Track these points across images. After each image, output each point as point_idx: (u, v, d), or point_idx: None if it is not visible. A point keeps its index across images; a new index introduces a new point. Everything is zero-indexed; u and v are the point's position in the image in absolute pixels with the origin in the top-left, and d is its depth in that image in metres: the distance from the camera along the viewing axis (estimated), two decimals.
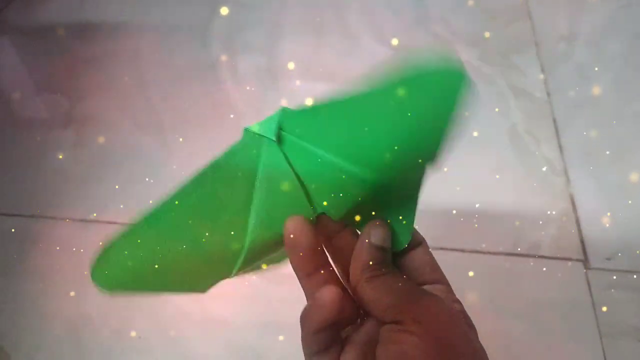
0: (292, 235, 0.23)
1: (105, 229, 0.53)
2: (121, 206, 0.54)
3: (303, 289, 0.25)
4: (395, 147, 0.22)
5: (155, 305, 0.48)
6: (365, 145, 0.23)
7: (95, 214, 0.54)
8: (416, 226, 0.26)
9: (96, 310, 0.48)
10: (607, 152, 0.56)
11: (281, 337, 0.46)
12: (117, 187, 0.55)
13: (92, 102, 0.64)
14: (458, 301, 0.25)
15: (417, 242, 0.26)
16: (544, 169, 0.55)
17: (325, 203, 0.24)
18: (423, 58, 0.22)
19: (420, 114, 0.23)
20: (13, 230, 0.53)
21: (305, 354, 0.24)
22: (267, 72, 0.65)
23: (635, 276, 0.48)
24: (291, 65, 0.65)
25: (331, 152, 0.23)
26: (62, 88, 0.65)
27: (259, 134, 0.24)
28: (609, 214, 0.52)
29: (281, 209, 0.24)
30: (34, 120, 0.63)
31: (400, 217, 0.25)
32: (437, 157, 0.23)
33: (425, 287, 0.25)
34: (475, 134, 0.58)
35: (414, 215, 0.25)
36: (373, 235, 0.24)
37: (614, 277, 0.48)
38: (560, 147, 0.57)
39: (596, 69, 0.63)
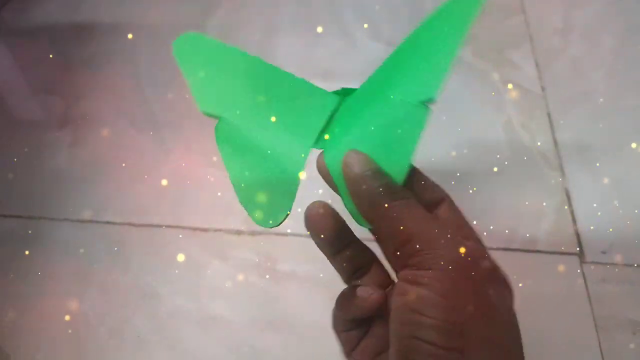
0: (312, 220, 0.24)
1: (103, 230, 0.53)
2: (119, 206, 0.54)
3: (331, 264, 0.25)
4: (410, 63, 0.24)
5: (153, 304, 0.48)
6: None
7: (93, 215, 0.54)
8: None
9: (94, 309, 0.48)
10: (602, 146, 0.56)
11: (280, 336, 0.46)
12: (114, 187, 0.56)
13: (89, 102, 0.64)
14: (489, 258, 0.22)
15: (440, 199, 0.24)
16: (539, 163, 0.55)
17: (331, 144, 0.25)
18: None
19: (433, 34, 0.25)
20: (11, 231, 0.53)
21: (334, 329, 0.25)
22: None
23: (630, 269, 0.48)
24: (286, 63, 0.65)
25: (370, 91, 0.26)
26: (58, 89, 0.65)
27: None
28: (603, 207, 0.52)
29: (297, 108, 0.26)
30: (30, 121, 0.63)
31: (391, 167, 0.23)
32: (435, 88, 0.23)
33: None
34: (469, 129, 0.58)
35: (406, 166, 0.23)
36: (355, 163, 0.22)
37: (610, 271, 0.48)
38: (555, 141, 0.57)
39: (590, 63, 0.64)
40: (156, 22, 0.71)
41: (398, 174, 0.22)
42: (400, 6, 0.71)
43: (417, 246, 0.20)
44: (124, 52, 0.69)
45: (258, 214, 0.24)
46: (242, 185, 0.25)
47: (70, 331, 0.47)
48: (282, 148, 0.25)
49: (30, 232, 0.53)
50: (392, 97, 0.24)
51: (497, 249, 0.49)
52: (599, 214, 0.52)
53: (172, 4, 0.74)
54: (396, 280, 0.21)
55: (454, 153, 0.56)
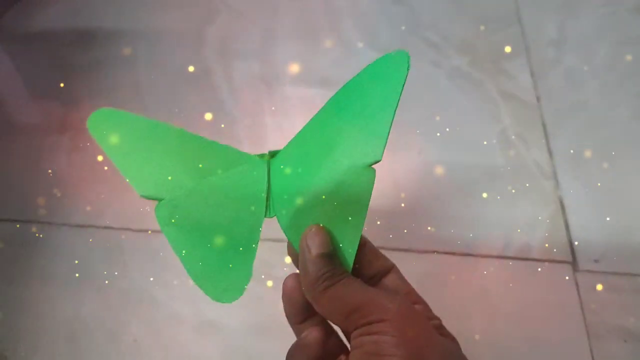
0: (288, 291, 0.25)
1: (101, 234, 0.53)
2: (117, 211, 0.55)
3: (294, 333, 0.27)
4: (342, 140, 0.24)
5: (151, 308, 0.49)
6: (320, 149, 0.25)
7: (91, 219, 0.54)
8: (392, 251, 0.26)
9: (92, 314, 0.48)
10: (596, 156, 0.57)
11: (276, 342, 0.46)
12: (113, 192, 0.56)
13: (88, 108, 0.64)
14: (437, 318, 0.25)
15: (388, 268, 0.26)
16: (534, 172, 0.56)
17: (283, 212, 0.25)
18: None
19: (365, 96, 0.24)
20: (9, 235, 0.54)
21: None
22: (260, 78, 0.66)
23: (622, 277, 0.49)
24: (285, 71, 0.66)
25: (308, 154, 0.25)
26: (57, 94, 0.65)
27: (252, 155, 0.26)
28: (597, 216, 0.53)
29: (236, 192, 0.25)
30: (29, 126, 0.63)
31: (342, 237, 0.24)
32: (380, 150, 0.24)
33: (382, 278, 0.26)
34: (465, 138, 0.59)
35: (358, 236, 0.24)
36: (312, 245, 0.23)
37: (602, 279, 0.49)
38: (550, 151, 0.58)
39: (585, 74, 0.64)
40: (156, 29, 0.72)
41: (349, 246, 0.24)
42: (398, 16, 0.72)
43: (366, 310, 0.21)
44: (124, 58, 0.69)
45: (215, 293, 0.24)
46: (195, 267, 0.25)
47: (67, 335, 0.47)
48: (231, 222, 0.25)
49: (28, 236, 0.53)
50: (337, 161, 0.24)
51: (491, 256, 0.50)
52: (593, 223, 0.52)
53: (172, 11, 0.74)
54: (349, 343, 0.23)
55: (448, 162, 0.57)
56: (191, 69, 0.67)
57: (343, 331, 0.25)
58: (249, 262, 0.25)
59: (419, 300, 0.25)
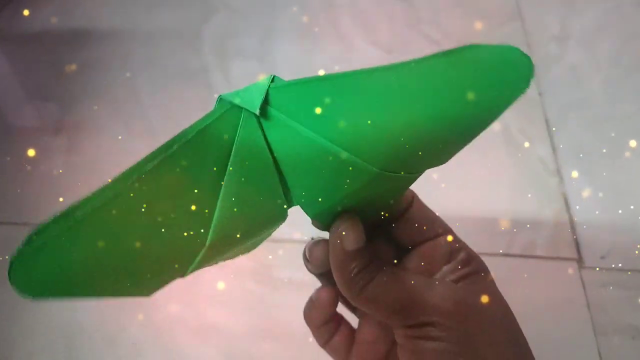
0: (309, 310, 0.25)
1: None
2: None
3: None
4: (416, 134, 0.18)
5: (149, 311, 0.48)
6: (376, 129, 0.18)
7: None
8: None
9: (89, 317, 0.48)
10: (600, 152, 0.56)
11: (277, 344, 0.46)
12: None
13: (84, 108, 0.63)
14: (465, 247, 0.23)
15: (409, 201, 0.23)
16: (538, 169, 0.55)
17: (303, 194, 0.20)
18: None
19: (465, 92, 0.19)
20: (5, 238, 0.53)
21: (319, 344, 0.26)
22: (259, 76, 0.65)
23: (629, 274, 0.48)
24: (284, 69, 0.65)
25: (327, 136, 0.18)
26: (53, 95, 0.65)
27: (238, 106, 0.19)
28: (602, 213, 0.52)
29: (251, 198, 0.20)
30: (25, 128, 0.62)
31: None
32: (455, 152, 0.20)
33: (430, 242, 0.23)
34: None
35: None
36: (346, 241, 0.21)
37: (608, 276, 0.48)
38: (553, 147, 0.57)
39: (587, 69, 0.64)
40: (153, 28, 0.71)
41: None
42: (398, 12, 0.71)
43: (414, 310, 0.20)
44: (120, 58, 0.69)
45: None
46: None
47: (65, 339, 0.47)
48: (255, 218, 0.21)
49: (23, 239, 0.53)
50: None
51: (497, 254, 0.49)
52: (598, 219, 0.52)
53: (169, 10, 0.74)
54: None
55: (450, 160, 0.56)
56: (188, 67, 0.67)
57: (385, 321, 0.23)
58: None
59: (444, 230, 0.23)
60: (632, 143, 0.57)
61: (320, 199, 0.20)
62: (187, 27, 0.72)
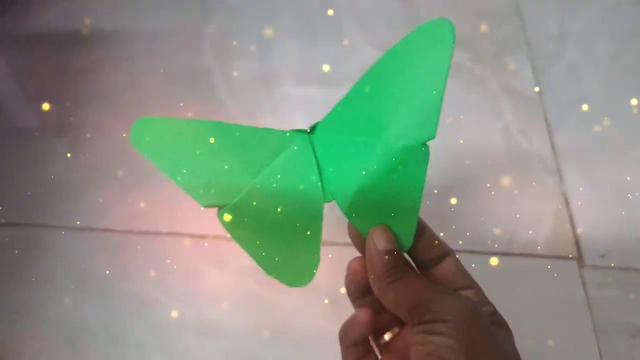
0: (352, 271, 0.27)
1: (101, 237, 0.53)
2: (118, 213, 0.54)
3: (353, 306, 0.28)
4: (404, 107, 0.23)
5: (153, 311, 0.48)
6: (382, 113, 0.24)
7: (91, 222, 0.54)
8: (441, 234, 0.27)
9: (94, 317, 0.48)
10: (599, 151, 0.57)
11: (279, 344, 0.46)
12: (113, 194, 0.56)
13: (87, 110, 0.64)
14: (489, 303, 0.26)
15: (445, 252, 0.27)
16: (537, 168, 0.56)
17: (342, 197, 0.25)
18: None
19: (414, 67, 0.24)
20: (8, 239, 0.53)
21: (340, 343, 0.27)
22: (259, 77, 0.65)
23: (629, 273, 0.49)
24: (284, 70, 0.65)
25: (355, 132, 0.25)
26: (56, 96, 0.65)
27: (292, 132, 0.26)
28: (602, 211, 0.52)
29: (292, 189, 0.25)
30: (28, 129, 0.63)
31: (400, 221, 0.25)
32: (434, 126, 0.23)
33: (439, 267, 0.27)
34: (467, 134, 0.58)
35: (415, 217, 0.25)
36: (378, 242, 0.25)
37: (608, 274, 0.48)
38: (553, 146, 0.57)
39: (586, 68, 0.64)
40: (154, 29, 0.72)
41: (407, 233, 0.25)
42: (397, 12, 0.71)
43: (429, 307, 0.23)
44: (122, 59, 0.69)
45: (290, 280, 0.26)
46: (266, 260, 0.26)
47: (69, 339, 0.47)
48: (292, 213, 0.26)
49: (28, 240, 0.53)
50: (390, 142, 0.24)
51: (497, 253, 0.50)
52: (597, 218, 0.52)
53: (170, 11, 0.74)
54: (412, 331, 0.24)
55: (451, 159, 0.56)
56: (189, 68, 0.67)
57: (403, 318, 0.26)
58: (316, 247, 0.26)
59: (472, 285, 0.26)
60: (632, 142, 0.57)
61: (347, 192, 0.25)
62: (188, 27, 0.72)
